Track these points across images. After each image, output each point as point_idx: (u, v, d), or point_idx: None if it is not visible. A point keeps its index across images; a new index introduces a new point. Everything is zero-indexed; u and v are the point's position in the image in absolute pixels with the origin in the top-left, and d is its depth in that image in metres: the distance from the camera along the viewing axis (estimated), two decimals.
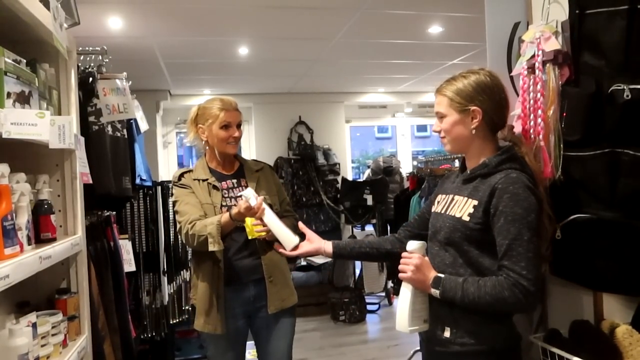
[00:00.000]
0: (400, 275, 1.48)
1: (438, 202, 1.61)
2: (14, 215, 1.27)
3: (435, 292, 1.42)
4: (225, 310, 2.07)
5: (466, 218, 1.43)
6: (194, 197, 2.10)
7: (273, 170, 2.36)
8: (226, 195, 2.14)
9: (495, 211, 1.37)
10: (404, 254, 1.50)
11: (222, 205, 2.10)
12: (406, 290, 1.49)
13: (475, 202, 1.42)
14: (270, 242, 2.09)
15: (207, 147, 2.20)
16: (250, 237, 1.97)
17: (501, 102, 1.48)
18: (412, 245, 1.51)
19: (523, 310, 1.44)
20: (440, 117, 1.53)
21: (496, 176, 1.41)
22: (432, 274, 1.45)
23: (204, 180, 2.14)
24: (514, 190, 1.35)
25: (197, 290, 2.12)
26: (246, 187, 2.15)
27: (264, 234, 1.96)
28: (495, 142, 1.51)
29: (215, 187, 2.13)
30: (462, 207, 1.46)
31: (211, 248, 1.94)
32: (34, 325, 1.37)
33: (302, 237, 1.89)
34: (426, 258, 1.49)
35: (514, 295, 1.30)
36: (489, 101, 1.45)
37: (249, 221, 1.95)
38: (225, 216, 1.98)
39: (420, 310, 1.50)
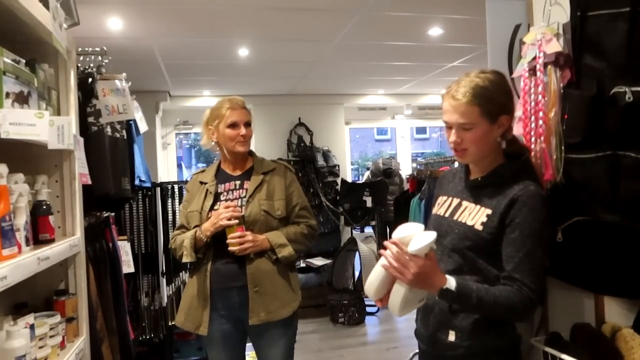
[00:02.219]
0: (395, 274, 1.30)
1: (439, 204, 1.58)
2: (12, 216, 1.26)
3: (442, 301, 1.35)
4: (210, 312, 2.06)
5: (479, 227, 1.39)
6: (186, 209, 2.20)
7: (290, 171, 2.23)
8: (223, 198, 2.12)
9: (511, 222, 1.35)
10: (399, 253, 1.28)
11: (212, 209, 2.09)
12: (399, 282, 1.32)
13: (489, 211, 1.39)
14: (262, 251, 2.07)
15: (219, 149, 2.19)
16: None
17: (514, 106, 1.48)
18: (416, 244, 1.26)
19: (523, 320, 1.45)
20: (468, 128, 1.38)
21: (514, 187, 1.37)
22: (439, 282, 1.29)
23: (205, 184, 2.16)
24: (534, 205, 1.34)
25: (186, 287, 2.17)
26: (246, 189, 2.13)
27: (236, 248, 1.99)
28: (501, 146, 1.48)
29: (211, 192, 2.13)
30: (475, 215, 1.42)
31: (184, 260, 2.08)
32: (32, 327, 1.36)
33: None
34: (432, 256, 1.31)
35: (525, 308, 1.32)
36: (512, 107, 1.45)
37: (228, 234, 2.00)
38: (198, 231, 2.06)
39: (415, 297, 1.35)
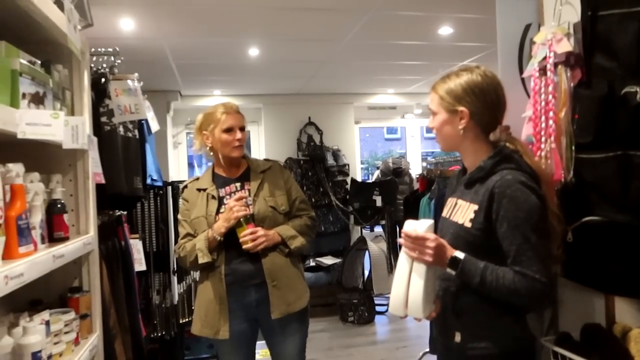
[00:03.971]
0: (416, 257, 1.39)
1: (446, 206, 1.59)
2: (28, 214, 1.29)
3: (451, 271, 1.38)
4: (228, 314, 2.07)
5: (468, 224, 1.41)
6: (188, 217, 2.17)
7: (283, 168, 2.31)
8: (227, 202, 2.12)
9: (497, 216, 1.35)
10: (414, 235, 1.38)
11: (217, 212, 2.10)
12: (417, 275, 1.39)
13: (476, 207, 1.40)
14: (274, 245, 2.09)
15: (213, 153, 2.19)
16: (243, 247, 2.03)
17: (492, 104, 1.44)
18: (423, 226, 1.40)
19: (535, 310, 1.41)
20: (432, 114, 1.52)
21: (492, 178, 1.39)
22: (449, 252, 1.38)
23: (204, 190, 2.16)
24: (513, 194, 1.33)
25: (197, 295, 2.16)
26: (249, 190, 2.15)
27: (250, 245, 2.00)
28: (489, 143, 1.47)
29: (213, 197, 2.14)
30: (465, 213, 1.44)
31: (201, 261, 2.05)
32: (47, 323, 1.38)
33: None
34: (439, 238, 1.41)
35: (532, 295, 1.30)
36: (477, 102, 1.42)
37: (239, 233, 2.02)
38: (210, 232, 2.06)
39: (431, 293, 1.43)
